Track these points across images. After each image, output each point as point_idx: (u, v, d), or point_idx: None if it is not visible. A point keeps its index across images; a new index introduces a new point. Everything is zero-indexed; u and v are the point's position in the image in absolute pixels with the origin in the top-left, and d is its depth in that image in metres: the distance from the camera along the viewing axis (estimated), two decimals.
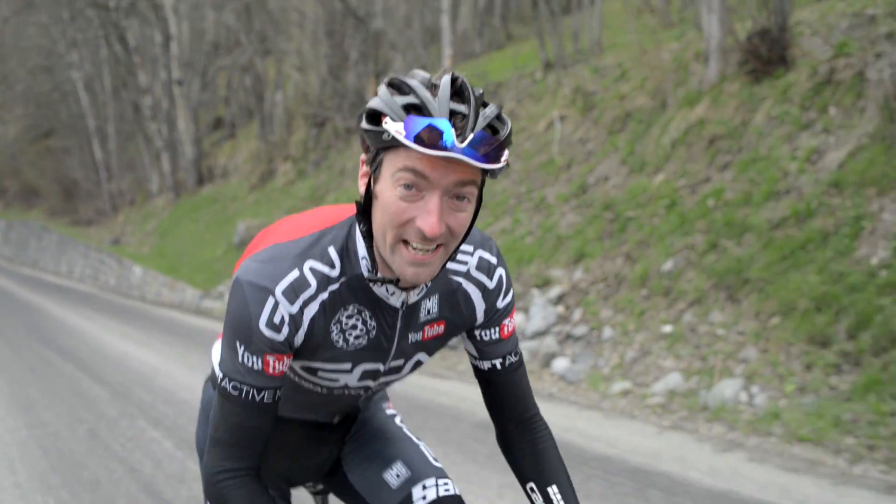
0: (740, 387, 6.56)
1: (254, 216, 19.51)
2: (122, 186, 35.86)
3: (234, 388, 1.63)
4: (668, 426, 6.32)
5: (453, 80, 1.47)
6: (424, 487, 2.06)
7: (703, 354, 7.26)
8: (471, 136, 1.40)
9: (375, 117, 1.47)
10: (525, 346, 8.48)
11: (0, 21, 41.48)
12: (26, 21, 40.17)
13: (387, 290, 1.70)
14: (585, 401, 7.37)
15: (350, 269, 1.68)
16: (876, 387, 5.87)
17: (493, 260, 1.83)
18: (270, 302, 1.60)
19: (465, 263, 1.80)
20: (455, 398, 7.58)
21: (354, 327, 1.73)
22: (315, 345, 1.72)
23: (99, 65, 36.14)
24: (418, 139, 1.39)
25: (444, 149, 1.38)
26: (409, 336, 1.81)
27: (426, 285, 1.72)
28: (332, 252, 1.68)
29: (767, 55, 9.30)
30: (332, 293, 1.67)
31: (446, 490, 2.06)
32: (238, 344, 1.62)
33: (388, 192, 1.49)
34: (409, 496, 2.05)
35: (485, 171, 1.49)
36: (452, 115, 1.43)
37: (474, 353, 1.91)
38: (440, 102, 1.43)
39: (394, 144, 1.44)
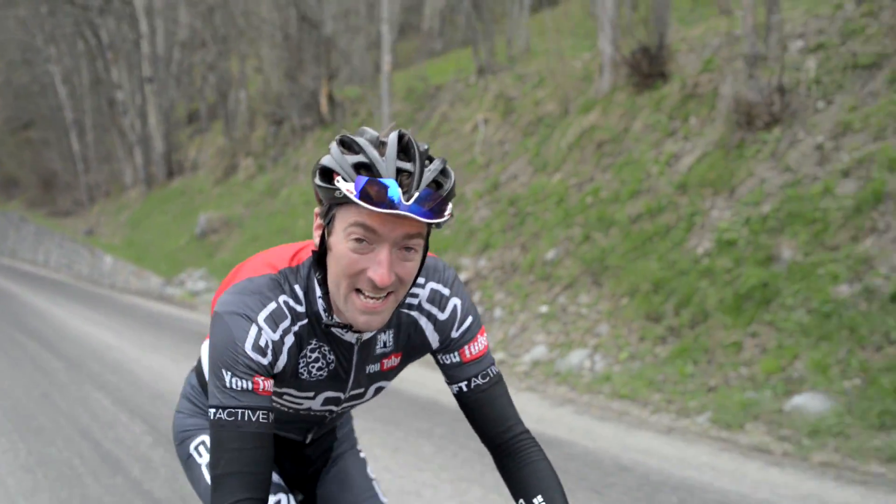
0: (586, 356, 7.88)
1: (216, 208, 20.73)
2: (98, 178, 36.95)
3: (229, 413, 1.65)
4: (524, 388, 7.63)
5: (400, 138, 1.56)
6: None
7: (568, 330, 8.57)
8: (416, 195, 1.49)
9: (328, 174, 1.56)
10: None
11: None
12: (5, 14, 40.88)
13: (342, 331, 1.79)
14: None
15: (311, 308, 1.77)
16: (685, 354, 7.20)
17: (446, 291, 1.89)
18: (254, 328, 1.68)
19: (417, 296, 1.87)
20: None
21: (317, 360, 1.82)
22: (286, 375, 1.80)
23: (77, 58, 37.20)
24: (367, 198, 1.47)
25: (392, 206, 1.47)
26: (367, 368, 1.90)
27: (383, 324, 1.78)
28: (298, 290, 1.76)
29: (648, 70, 10.59)
30: (301, 327, 1.77)
31: None
32: (224, 371, 1.66)
33: (341, 245, 1.58)
34: None
35: (430, 224, 1.56)
36: (399, 173, 1.51)
37: (445, 378, 1.95)
38: (388, 162, 1.51)
39: (345, 201, 1.52)
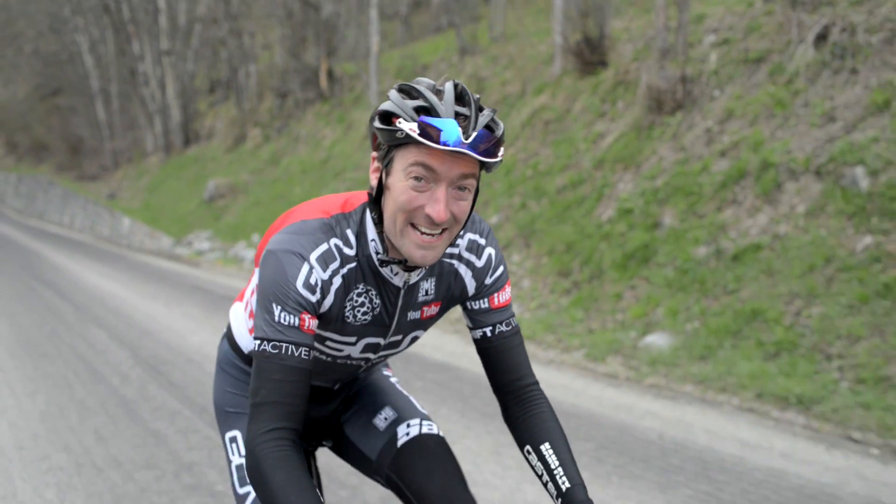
0: None
1: (225, 175, 22.29)
2: (122, 145, 38.68)
3: (274, 346, 1.73)
4: (451, 331, 9.05)
5: (455, 86, 1.66)
6: (409, 426, 2.24)
7: None
8: (474, 135, 1.59)
9: (387, 118, 1.65)
10: None
11: None
12: None
13: (391, 271, 1.86)
14: None
15: (362, 252, 1.84)
16: (580, 303, 8.60)
17: (482, 241, 1.97)
18: (306, 266, 1.75)
19: (457, 246, 1.95)
20: None
21: (363, 304, 1.89)
22: (331, 317, 1.86)
23: (103, 29, 38.82)
24: (429, 137, 1.57)
25: (452, 145, 1.58)
26: (408, 314, 1.97)
27: (425, 267, 1.85)
28: (350, 234, 1.84)
29: (589, 58, 11.87)
30: (349, 270, 1.84)
31: (429, 429, 2.25)
32: (274, 305, 1.74)
33: (401, 184, 1.66)
34: (395, 434, 2.22)
35: (482, 165, 1.68)
36: (456, 116, 1.61)
37: (469, 322, 2.03)
38: (446, 105, 1.61)
39: (405, 142, 1.63)
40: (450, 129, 1.57)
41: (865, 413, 5.40)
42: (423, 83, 1.69)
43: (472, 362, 7.07)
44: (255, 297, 1.96)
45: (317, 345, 1.97)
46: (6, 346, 8.54)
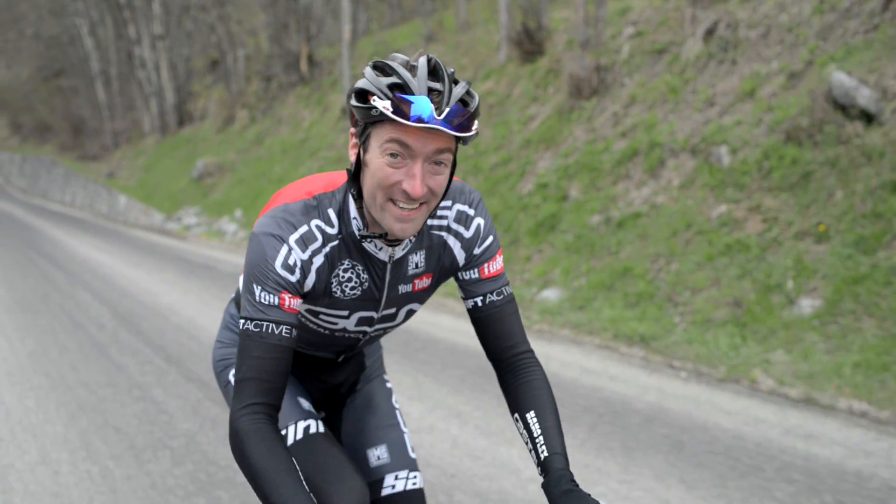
0: None
1: (214, 155, 23.61)
2: (121, 126, 40.01)
3: (256, 325, 1.79)
4: None
5: (428, 61, 1.67)
6: (396, 478, 2.34)
7: None
8: (447, 110, 1.60)
9: (363, 95, 1.67)
10: None
11: None
12: None
13: (375, 246, 1.91)
14: None
15: (345, 229, 1.90)
16: None
17: (471, 212, 2.00)
18: (285, 248, 1.81)
19: (445, 218, 1.99)
20: None
21: (350, 280, 1.94)
22: (318, 293, 1.93)
23: (102, 12, 40.06)
24: (402, 114, 1.59)
25: (425, 122, 1.59)
26: (399, 287, 2.02)
27: (410, 241, 1.93)
28: (332, 214, 1.89)
29: (529, 47, 13.11)
30: (332, 248, 1.89)
31: (413, 484, 2.35)
32: (255, 286, 1.80)
33: (377, 161, 1.69)
34: (382, 480, 2.33)
35: (458, 139, 1.70)
36: (430, 91, 1.63)
37: (461, 293, 2.06)
38: (419, 81, 1.63)
39: (380, 119, 1.64)
40: (422, 106, 1.59)
41: (688, 347, 6.72)
42: (397, 59, 1.70)
43: None
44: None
45: (311, 318, 2.06)
46: (3, 305, 9.92)
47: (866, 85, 7.65)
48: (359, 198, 1.82)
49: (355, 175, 1.80)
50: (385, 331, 2.21)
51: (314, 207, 1.88)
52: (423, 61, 1.66)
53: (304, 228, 1.84)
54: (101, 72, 40.58)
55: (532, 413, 1.89)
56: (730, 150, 8.46)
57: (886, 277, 6.34)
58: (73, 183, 33.80)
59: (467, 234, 1.99)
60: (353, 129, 1.77)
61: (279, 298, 1.80)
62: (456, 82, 1.66)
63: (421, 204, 1.73)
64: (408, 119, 1.59)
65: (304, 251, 1.84)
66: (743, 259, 7.42)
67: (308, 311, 2.02)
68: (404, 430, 2.45)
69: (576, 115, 10.99)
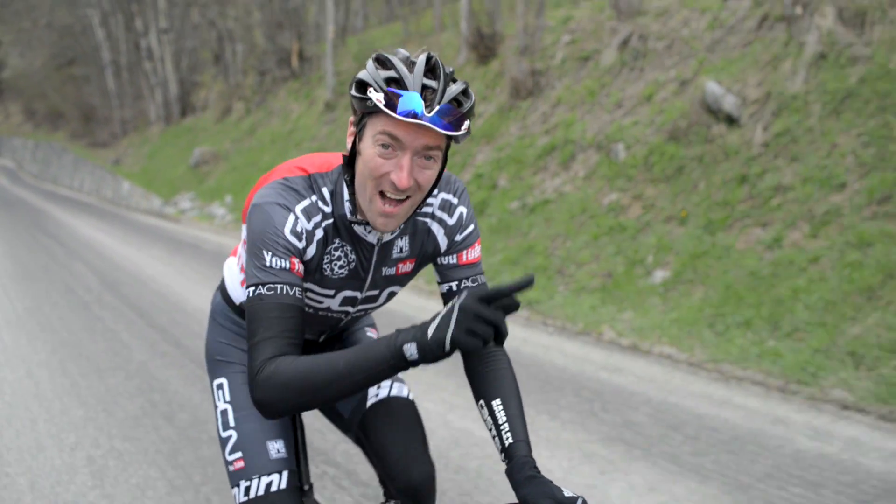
0: None
1: (210, 144, 25.18)
2: (130, 114, 41.68)
3: (269, 288, 1.78)
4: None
5: (428, 59, 1.71)
6: (379, 387, 2.38)
7: None
8: (437, 108, 1.64)
9: (362, 86, 1.71)
10: None
11: None
12: None
13: (365, 229, 1.95)
14: None
15: (337, 210, 1.93)
16: None
17: (455, 200, 2.05)
18: (292, 216, 1.85)
19: (430, 205, 2.03)
20: None
21: (339, 259, 1.99)
22: (311, 268, 1.96)
23: (113, 3, 41.65)
24: (393, 108, 1.63)
25: (415, 116, 1.62)
26: (383, 270, 2.06)
27: (400, 226, 1.90)
28: (326, 193, 1.93)
29: (484, 51, 14.55)
30: (327, 225, 1.93)
31: (399, 391, 2.40)
32: (265, 252, 1.80)
33: (369, 150, 1.74)
34: (366, 394, 2.37)
35: (449, 137, 1.74)
36: (424, 88, 1.65)
37: (437, 277, 2.10)
38: (415, 78, 1.66)
39: (375, 111, 1.68)
40: (413, 101, 1.62)
41: (560, 309, 8.19)
42: (399, 54, 1.73)
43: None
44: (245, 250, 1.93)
45: None
46: (7, 274, 11.48)
47: (731, 93, 9.08)
48: (351, 183, 1.87)
49: (350, 162, 1.85)
50: (366, 311, 2.25)
51: (311, 184, 1.93)
52: (422, 58, 1.70)
53: (306, 201, 1.89)
54: (111, 61, 42.22)
55: (498, 401, 1.89)
56: (625, 146, 9.90)
57: (719, 253, 7.79)
58: (82, 169, 35.35)
59: (450, 222, 2.04)
60: (351, 118, 1.82)
61: (290, 262, 1.81)
62: (454, 81, 1.72)
63: (407, 197, 1.77)
64: (397, 113, 1.63)
65: (308, 221, 1.88)
66: (620, 239, 8.88)
67: None
68: None
69: (513, 113, 12.43)
